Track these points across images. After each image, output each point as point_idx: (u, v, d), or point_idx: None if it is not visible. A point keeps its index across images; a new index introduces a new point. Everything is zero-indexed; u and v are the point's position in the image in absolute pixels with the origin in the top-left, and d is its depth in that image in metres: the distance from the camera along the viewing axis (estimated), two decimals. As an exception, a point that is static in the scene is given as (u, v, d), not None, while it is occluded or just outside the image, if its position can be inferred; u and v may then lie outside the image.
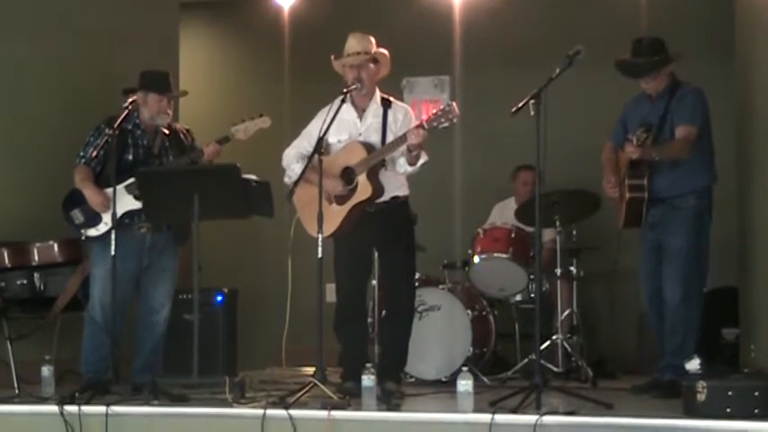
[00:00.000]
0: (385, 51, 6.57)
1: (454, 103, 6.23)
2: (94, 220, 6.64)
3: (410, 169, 6.41)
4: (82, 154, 6.71)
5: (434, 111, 6.27)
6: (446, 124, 6.22)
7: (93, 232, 6.67)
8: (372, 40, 6.55)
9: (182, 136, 6.89)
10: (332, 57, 6.54)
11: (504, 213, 8.47)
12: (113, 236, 6.39)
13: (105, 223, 6.60)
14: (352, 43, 6.51)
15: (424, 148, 6.32)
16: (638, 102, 6.75)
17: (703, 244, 6.56)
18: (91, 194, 6.61)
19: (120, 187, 6.56)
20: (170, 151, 6.80)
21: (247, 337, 8.38)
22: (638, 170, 6.50)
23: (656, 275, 6.60)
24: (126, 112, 6.56)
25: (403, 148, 6.32)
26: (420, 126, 6.23)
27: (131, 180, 6.59)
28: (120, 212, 6.56)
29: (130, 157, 6.70)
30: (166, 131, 6.82)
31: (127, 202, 6.58)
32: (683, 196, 6.50)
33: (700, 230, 6.53)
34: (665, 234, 6.53)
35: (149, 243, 6.72)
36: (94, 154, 6.60)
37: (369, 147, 6.45)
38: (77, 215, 6.70)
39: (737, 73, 7.66)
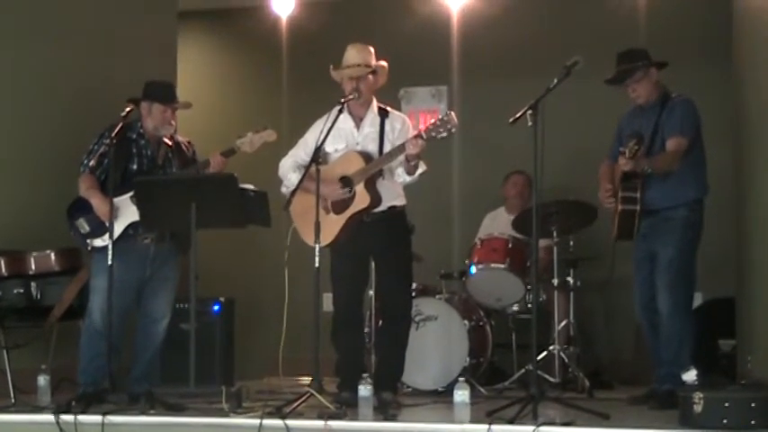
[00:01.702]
0: (384, 63, 6.58)
1: (453, 113, 6.23)
2: (100, 229, 6.59)
3: (409, 179, 6.42)
4: (85, 162, 6.68)
5: (433, 121, 6.27)
6: (444, 134, 6.22)
7: (98, 242, 6.62)
8: (372, 50, 6.56)
9: (183, 147, 6.88)
10: (331, 67, 6.55)
11: (494, 223, 8.48)
12: (111, 246, 6.37)
13: None
14: (352, 54, 6.51)
15: (422, 157, 6.32)
16: (631, 116, 6.80)
17: (692, 254, 6.58)
18: (98, 203, 6.57)
19: (126, 197, 6.55)
20: (173, 162, 6.79)
21: (244, 347, 8.37)
22: (630, 183, 6.52)
23: (649, 285, 6.62)
24: (122, 122, 6.54)
25: (401, 157, 6.32)
26: (418, 136, 6.23)
27: None
28: (125, 223, 6.55)
29: (135, 167, 6.69)
30: (169, 142, 6.81)
31: (132, 213, 6.54)
32: (674, 208, 6.53)
33: (690, 241, 6.56)
34: (657, 245, 6.55)
35: (153, 254, 6.70)
36: (93, 163, 6.59)
37: (366, 156, 6.46)
38: (83, 224, 6.67)
39: (735, 79, 7.67)
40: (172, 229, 6.65)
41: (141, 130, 6.74)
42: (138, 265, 6.67)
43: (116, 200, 6.48)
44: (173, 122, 6.77)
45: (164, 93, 6.74)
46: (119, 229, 6.51)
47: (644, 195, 6.50)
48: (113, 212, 6.47)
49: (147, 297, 6.78)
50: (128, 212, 6.55)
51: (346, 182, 6.42)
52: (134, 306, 6.78)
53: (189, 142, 6.95)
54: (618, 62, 6.68)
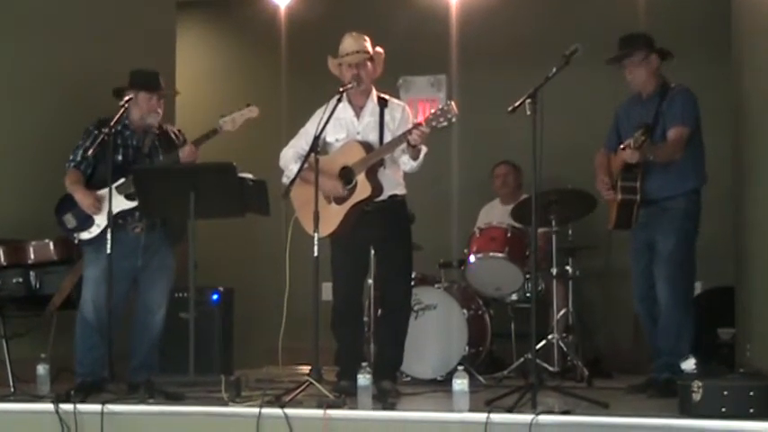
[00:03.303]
0: (380, 50, 6.58)
1: (453, 103, 6.22)
2: (86, 223, 6.64)
3: (415, 164, 6.39)
4: (71, 158, 6.72)
5: (433, 110, 6.26)
6: (445, 124, 6.21)
7: (85, 235, 6.66)
8: (367, 39, 6.56)
9: (172, 136, 6.87)
10: (329, 58, 6.54)
11: (489, 214, 8.49)
12: (110, 235, 6.38)
13: (97, 225, 6.61)
14: (350, 42, 6.51)
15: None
16: (630, 105, 6.80)
17: (691, 245, 6.58)
18: (81, 197, 6.61)
19: (112, 188, 6.54)
20: (160, 150, 6.78)
21: (243, 336, 8.37)
22: (630, 172, 6.53)
23: (647, 275, 6.62)
24: (123, 110, 6.56)
25: (403, 147, 6.31)
26: (419, 125, 6.22)
27: (122, 180, 6.59)
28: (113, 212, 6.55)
29: (120, 158, 6.69)
30: (156, 131, 6.81)
31: (118, 203, 6.55)
32: (672, 198, 6.53)
33: (688, 231, 6.57)
34: (656, 236, 6.56)
35: (143, 243, 6.70)
36: (90, 152, 6.58)
37: (367, 146, 6.45)
38: (69, 219, 6.69)
39: (734, 70, 7.66)
40: (171, 218, 6.66)
41: (127, 122, 6.75)
42: (130, 255, 6.66)
43: (102, 192, 6.50)
44: (159, 111, 6.78)
45: (148, 81, 6.75)
46: (106, 219, 6.49)
47: (643, 185, 6.51)
48: (99, 204, 6.54)
49: (145, 288, 6.77)
50: (115, 202, 6.51)
51: (347, 173, 6.42)
52: (127, 296, 6.76)
53: (179, 131, 6.95)
54: (620, 46, 6.68)
